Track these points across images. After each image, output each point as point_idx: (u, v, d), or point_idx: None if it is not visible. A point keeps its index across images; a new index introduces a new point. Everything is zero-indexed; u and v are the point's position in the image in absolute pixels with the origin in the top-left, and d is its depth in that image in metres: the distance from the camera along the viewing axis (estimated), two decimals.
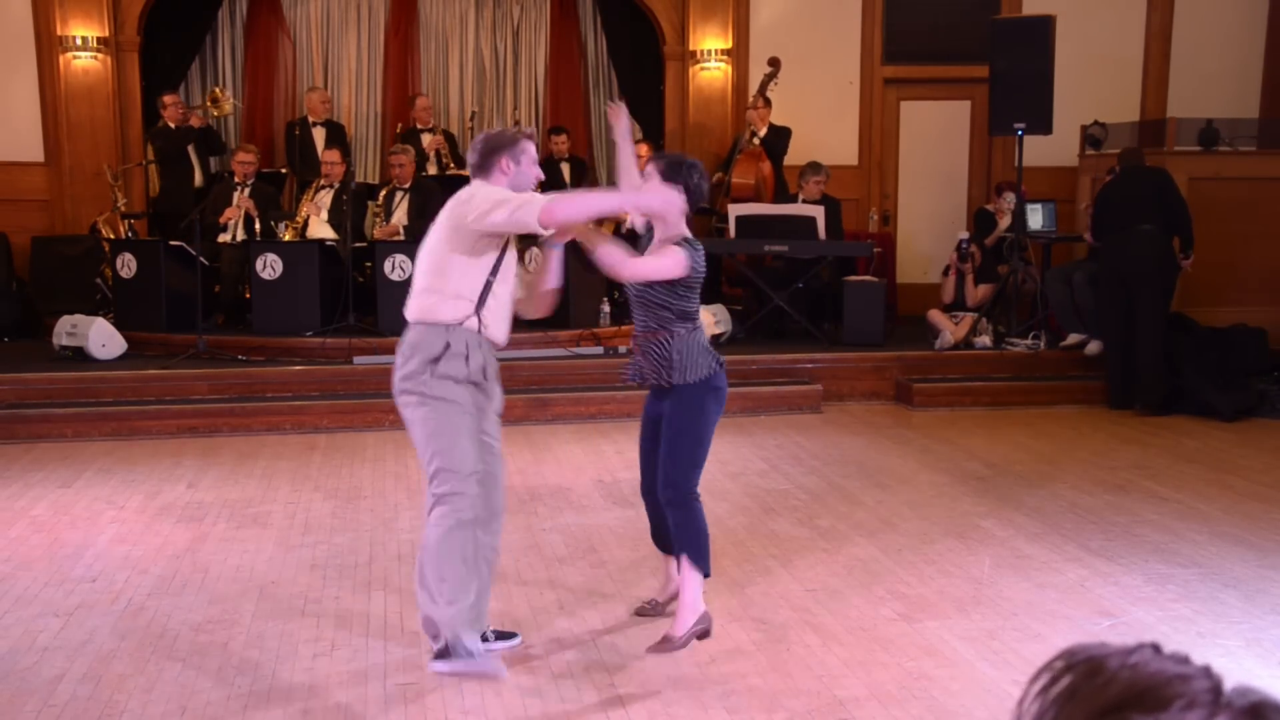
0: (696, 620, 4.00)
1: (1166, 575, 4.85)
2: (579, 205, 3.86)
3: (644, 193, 4.02)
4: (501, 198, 3.75)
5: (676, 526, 4.03)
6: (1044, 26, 8.90)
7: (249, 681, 3.86)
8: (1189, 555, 5.10)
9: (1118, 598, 4.61)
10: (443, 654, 3.70)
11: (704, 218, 10.44)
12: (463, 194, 3.85)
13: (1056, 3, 9.59)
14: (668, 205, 3.91)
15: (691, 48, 10.55)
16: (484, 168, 3.92)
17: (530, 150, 3.98)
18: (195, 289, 8.38)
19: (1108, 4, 10.80)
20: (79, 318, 8.38)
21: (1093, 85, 10.43)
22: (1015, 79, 8.79)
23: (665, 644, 3.99)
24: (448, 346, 3.75)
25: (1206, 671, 0.76)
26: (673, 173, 4.02)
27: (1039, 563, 5.00)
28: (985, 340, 8.88)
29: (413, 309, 3.84)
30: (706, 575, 4.06)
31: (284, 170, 10.31)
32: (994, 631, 4.26)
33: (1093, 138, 10.03)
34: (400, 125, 10.39)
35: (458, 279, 3.78)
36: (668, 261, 3.90)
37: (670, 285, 3.96)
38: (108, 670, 3.93)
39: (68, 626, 4.30)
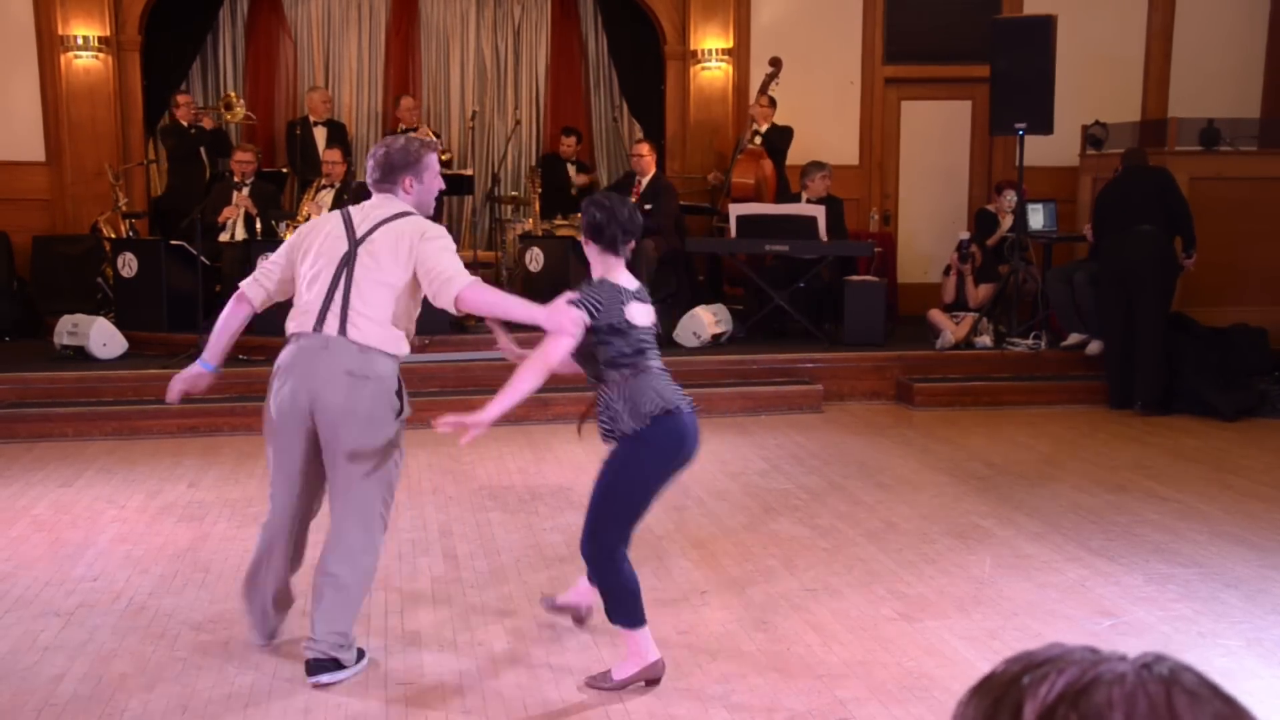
0: (643, 670, 3.75)
1: (1167, 575, 4.85)
2: (495, 303, 3.84)
3: (553, 311, 3.72)
4: (436, 263, 3.74)
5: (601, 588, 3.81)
6: (1045, 26, 8.89)
7: (250, 680, 3.86)
8: (1190, 555, 5.10)
9: (1118, 597, 4.61)
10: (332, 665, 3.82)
11: (704, 217, 10.46)
12: (427, 232, 3.81)
13: (1057, 2, 9.58)
14: (576, 324, 3.67)
15: (692, 47, 10.56)
16: (387, 183, 3.91)
17: (434, 164, 3.97)
18: (196, 288, 8.38)
19: (1109, 4, 10.79)
20: (80, 317, 8.39)
21: (1094, 85, 10.42)
22: (1016, 79, 8.79)
23: (602, 679, 3.78)
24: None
25: (1089, 647, 0.85)
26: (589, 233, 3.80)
27: (1039, 562, 5.00)
28: (986, 340, 8.88)
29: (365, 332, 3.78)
30: (642, 624, 3.78)
31: (285, 170, 10.32)
32: (995, 631, 4.26)
33: (1094, 138, 10.03)
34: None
35: (406, 314, 3.89)
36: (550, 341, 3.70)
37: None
38: (109, 670, 3.93)
39: (69, 626, 4.30)
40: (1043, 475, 6.45)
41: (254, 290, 3.99)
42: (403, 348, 3.87)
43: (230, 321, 4.01)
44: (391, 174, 3.89)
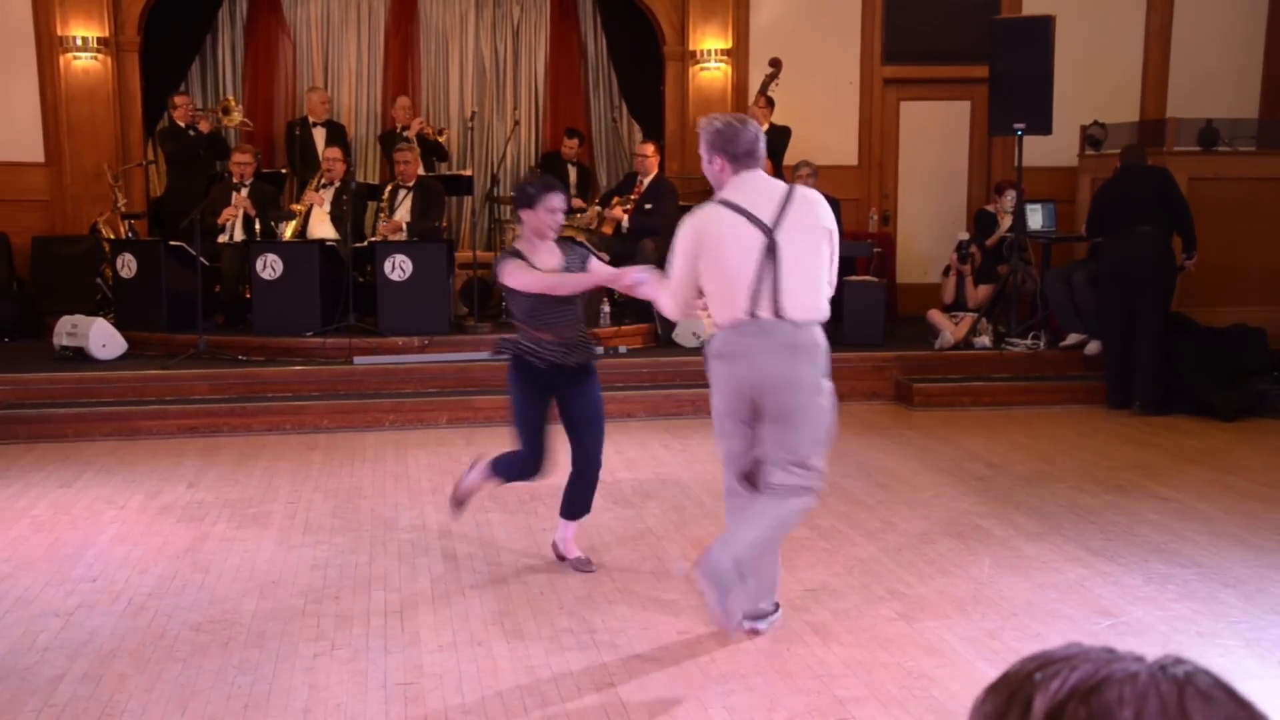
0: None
1: (1166, 575, 4.85)
2: None
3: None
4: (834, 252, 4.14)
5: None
6: (1044, 26, 8.90)
7: (249, 681, 3.86)
8: (1189, 555, 5.10)
9: (1117, 597, 4.61)
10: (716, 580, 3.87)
11: None
12: (830, 213, 4.10)
13: (1056, 3, 9.59)
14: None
15: (691, 48, 10.56)
16: (754, 160, 4.03)
17: None
18: (195, 289, 8.39)
19: (1107, 4, 10.80)
20: (79, 318, 8.39)
21: (1092, 85, 10.43)
22: (1015, 79, 8.79)
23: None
24: None
25: (1107, 647, 0.85)
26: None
27: (1039, 562, 5.00)
28: (985, 340, 8.88)
29: (811, 309, 3.99)
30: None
31: (284, 170, 10.32)
32: (994, 631, 4.26)
33: (1092, 138, 10.03)
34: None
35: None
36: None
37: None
38: (108, 670, 3.93)
39: (68, 626, 4.30)
40: (1042, 475, 6.45)
41: None
42: (827, 313, 4.07)
43: None
44: (759, 152, 4.02)
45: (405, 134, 10.02)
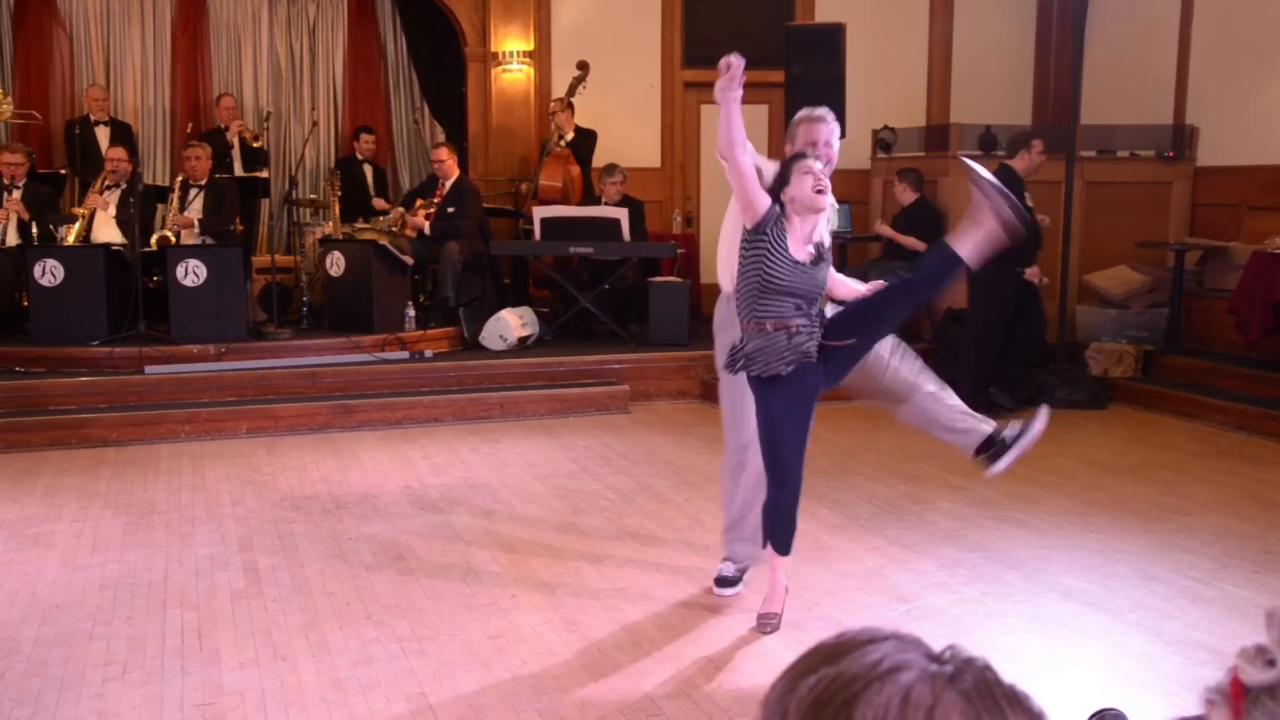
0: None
1: (957, 560, 5.09)
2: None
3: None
4: None
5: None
6: (835, 34, 9.19)
7: (28, 714, 3.64)
8: (977, 540, 5.37)
9: (913, 583, 4.81)
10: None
11: (509, 220, 10.42)
12: None
13: (847, 12, 9.94)
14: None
15: (493, 49, 10.50)
16: None
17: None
18: None
19: (894, 14, 11.26)
20: None
21: (882, 91, 10.85)
22: (810, 84, 9.04)
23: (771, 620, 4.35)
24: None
25: (896, 637, 0.83)
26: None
27: (839, 553, 5.17)
28: None
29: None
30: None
31: (63, 171, 9.78)
32: (798, 621, 4.38)
33: (883, 141, 10.44)
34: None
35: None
36: None
37: None
38: None
39: None
40: (842, 468, 6.68)
41: None
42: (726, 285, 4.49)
43: None
44: None
45: (227, 133, 9.76)
